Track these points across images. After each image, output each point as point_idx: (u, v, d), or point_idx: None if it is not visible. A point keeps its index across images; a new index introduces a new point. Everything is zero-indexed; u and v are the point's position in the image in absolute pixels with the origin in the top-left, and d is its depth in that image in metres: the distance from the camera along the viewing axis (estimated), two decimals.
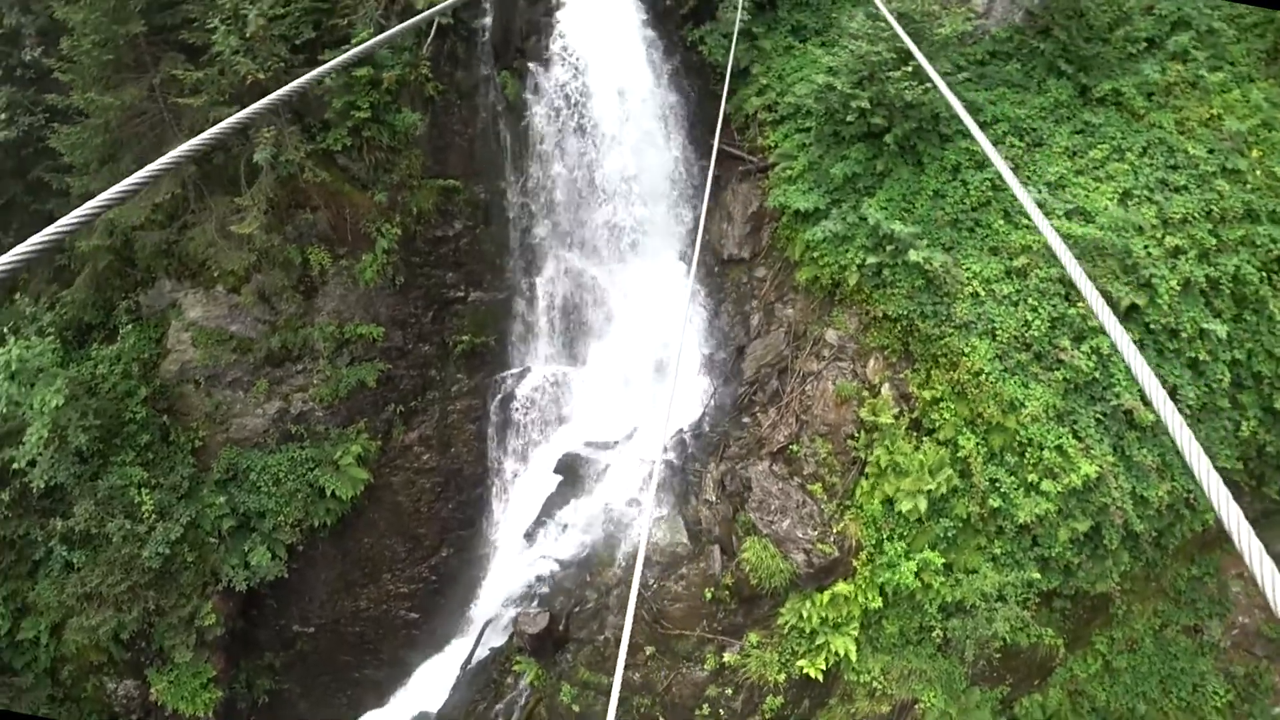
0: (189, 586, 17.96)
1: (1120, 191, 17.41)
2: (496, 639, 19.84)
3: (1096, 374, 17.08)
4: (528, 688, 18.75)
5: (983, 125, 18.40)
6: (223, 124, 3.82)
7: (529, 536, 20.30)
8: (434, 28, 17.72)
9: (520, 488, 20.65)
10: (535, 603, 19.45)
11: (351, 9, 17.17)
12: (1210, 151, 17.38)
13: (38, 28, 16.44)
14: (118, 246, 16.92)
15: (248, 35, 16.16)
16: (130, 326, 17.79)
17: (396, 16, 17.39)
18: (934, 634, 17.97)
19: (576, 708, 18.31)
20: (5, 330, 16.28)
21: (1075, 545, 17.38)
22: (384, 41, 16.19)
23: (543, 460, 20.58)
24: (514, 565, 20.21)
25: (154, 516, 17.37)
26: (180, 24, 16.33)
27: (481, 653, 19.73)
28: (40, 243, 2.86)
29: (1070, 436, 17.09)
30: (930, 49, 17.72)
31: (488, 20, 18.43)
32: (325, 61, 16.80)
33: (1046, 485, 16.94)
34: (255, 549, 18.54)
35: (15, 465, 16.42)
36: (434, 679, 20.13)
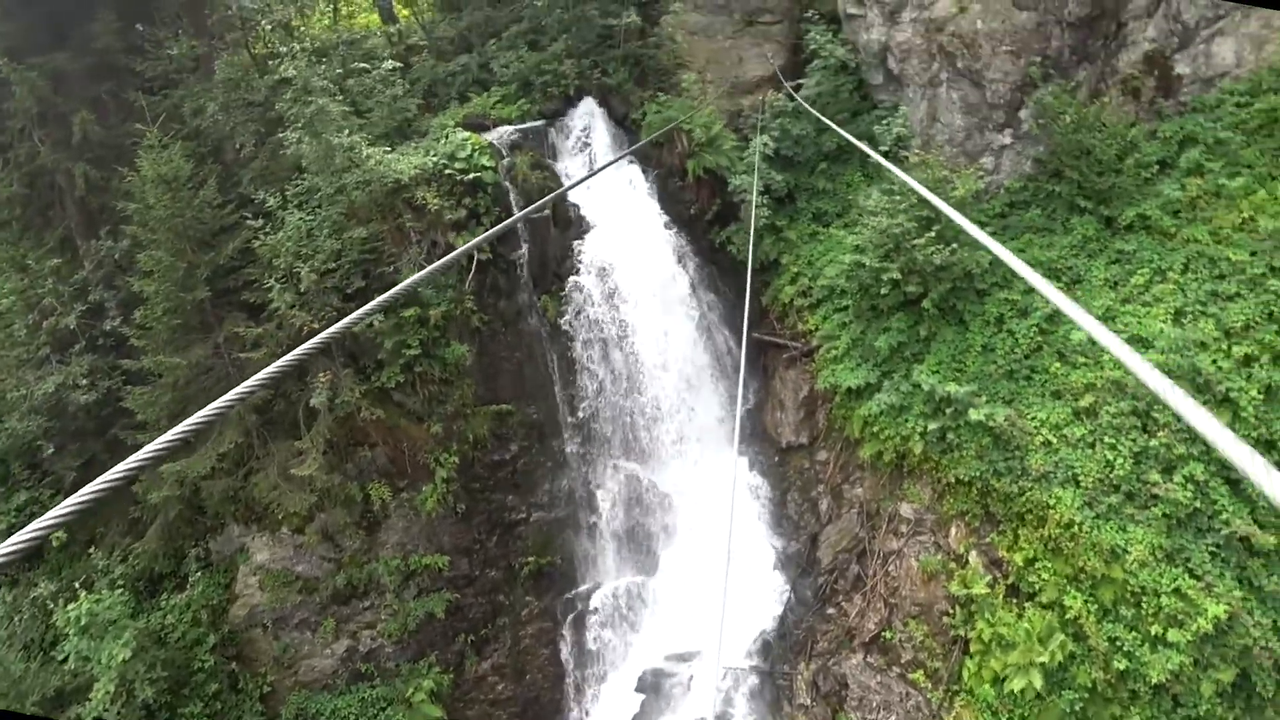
0: None
1: (1172, 311, 16.54)
2: None
3: (1198, 503, 15.39)
4: None
5: (1015, 273, 18.05)
6: (270, 368, 3.81)
7: None
8: (474, 264, 18.64)
9: (601, 711, 19.12)
10: None
11: (396, 256, 18.27)
12: (1253, 254, 16.55)
13: (119, 300, 17.96)
14: (187, 496, 17.31)
15: (302, 290, 17.21)
16: (199, 574, 17.82)
17: (440, 260, 18.42)
18: None
19: None
20: (77, 585, 16.49)
21: (1224, 698, 14.92)
22: (422, 280, 17.00)
23: (622, 679, 19.17)
24: None
25: None
26: (241, 286, 17.55)
27: None
28: (99, 488, 2.69)
29: (1186, 576, 15.18)
30: None
31: (524, 250, 19.35)
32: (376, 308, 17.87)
33: (1174, 635, 14.85)
34: None
35: None
36: None
